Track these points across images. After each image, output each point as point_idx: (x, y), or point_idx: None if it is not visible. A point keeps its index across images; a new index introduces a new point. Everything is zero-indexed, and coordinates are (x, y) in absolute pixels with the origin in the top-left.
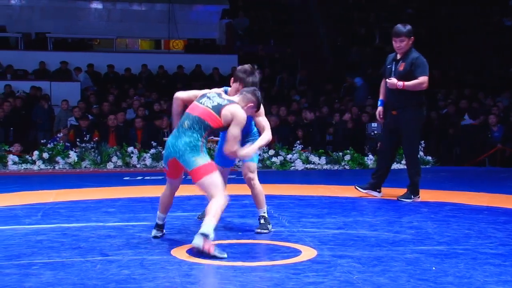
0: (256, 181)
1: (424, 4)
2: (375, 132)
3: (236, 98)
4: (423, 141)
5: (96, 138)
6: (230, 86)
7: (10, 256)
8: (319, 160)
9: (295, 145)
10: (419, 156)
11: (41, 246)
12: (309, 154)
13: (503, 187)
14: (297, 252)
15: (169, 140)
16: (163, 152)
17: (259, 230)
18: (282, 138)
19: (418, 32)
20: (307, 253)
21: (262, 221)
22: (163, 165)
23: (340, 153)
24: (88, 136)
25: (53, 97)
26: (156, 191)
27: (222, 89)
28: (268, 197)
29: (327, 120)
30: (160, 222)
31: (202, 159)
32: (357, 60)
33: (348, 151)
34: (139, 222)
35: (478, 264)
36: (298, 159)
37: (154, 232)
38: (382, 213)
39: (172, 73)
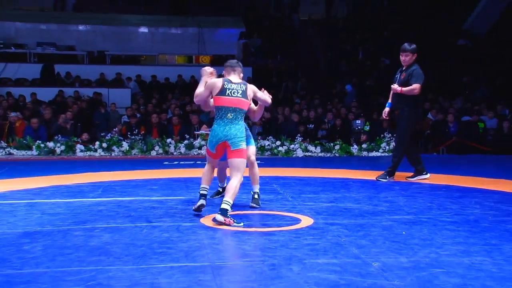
0: (255, 162)
1: (396, 28)
2: (359, 127)
3: (237, 76)
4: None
5: (143, 132)
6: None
7: (78, 222)
8: (315, 149)
9: (296, 137)
10: (392, 146)
11: (101, 215)
12: (307, 144)
13: (458, 170)
14: (298, 221)
15: (217, 128)
16: (210, 138)
17: (253, 205)
18: (286, 132)
19: (392, 50)
20: (306, 221)
21: (256, 196)
22: (208, 147)
23: (331, 144)
24: (136, 130)
25: (110, 101)
26: (189, 173)
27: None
28: (275, 178)
29: (321, 119)
30: (202, 192)
31: (244, 145)
32: (345, 71)
33: (338, 142)
34: (176, 197)
35: (438, 229)
36: (299, 148)
37: (200, 202)
38: (364, 190)
39: None
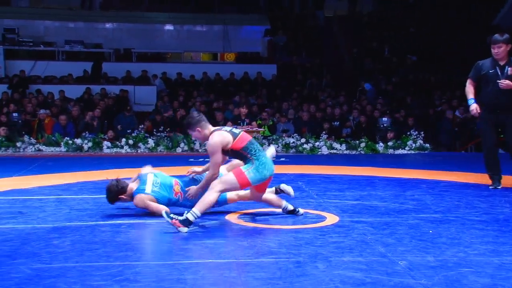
0: None
1: (423, 25)
2: (385, 125)
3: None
4: (422, 132)
5: (168, 129)
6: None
7: (105, 218)
8: (340, 146)
9: (321, 135)
10: (418, 144)
11: (128, 211)
12: (332, 142)
13: None
14: (323, 218)
15: (269, 161)
16: (263, 173)
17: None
18: (311, 129)
19: (417, 46)
20: (331, 219)
21: None
22: (251, 182)
23: (357, 141)
24: (162, 127)
25: (136, 98)
26: None
27: None
28: (300, 175)
29: (346, 116)
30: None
31: None
32: (370, 68)
33: (363, 139)
34: None
35: (466, 228)
36: (324, 146)
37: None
38: (390, 188)
39: (225, 79)
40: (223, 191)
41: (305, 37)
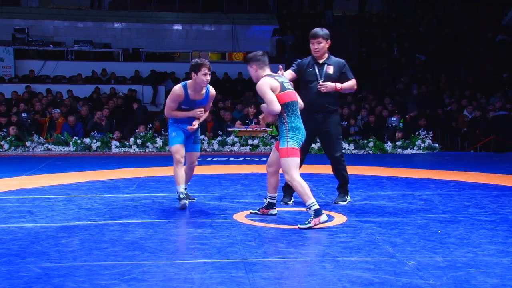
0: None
1: (432, 24)
2: (394, 124)
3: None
4: (431, 131)
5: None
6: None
7: (113, 217)
8: (348, 146)
9: None
10: (427, 144)
11: (136, 210)
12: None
13: (496, 168)
14: (331, 218)
15: (301, 126)
16: (300, 137)
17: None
18: None
19: (427, 46)
20: (339, 219)
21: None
22: (296, 147)
23: (365, 141)
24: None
25: (144, 97)
26: (222, 169)
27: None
28: (308, 175)
29: (354, 115)
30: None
31: None
32: (378, 68)
33: (371, 139)
34: (209, 193)
35: (475, 228)
36: None
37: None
38: (398, 188)
39: (234, 78)
40: (295, 172)
41: None
